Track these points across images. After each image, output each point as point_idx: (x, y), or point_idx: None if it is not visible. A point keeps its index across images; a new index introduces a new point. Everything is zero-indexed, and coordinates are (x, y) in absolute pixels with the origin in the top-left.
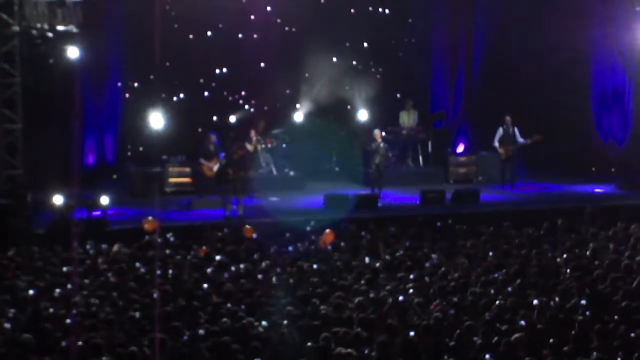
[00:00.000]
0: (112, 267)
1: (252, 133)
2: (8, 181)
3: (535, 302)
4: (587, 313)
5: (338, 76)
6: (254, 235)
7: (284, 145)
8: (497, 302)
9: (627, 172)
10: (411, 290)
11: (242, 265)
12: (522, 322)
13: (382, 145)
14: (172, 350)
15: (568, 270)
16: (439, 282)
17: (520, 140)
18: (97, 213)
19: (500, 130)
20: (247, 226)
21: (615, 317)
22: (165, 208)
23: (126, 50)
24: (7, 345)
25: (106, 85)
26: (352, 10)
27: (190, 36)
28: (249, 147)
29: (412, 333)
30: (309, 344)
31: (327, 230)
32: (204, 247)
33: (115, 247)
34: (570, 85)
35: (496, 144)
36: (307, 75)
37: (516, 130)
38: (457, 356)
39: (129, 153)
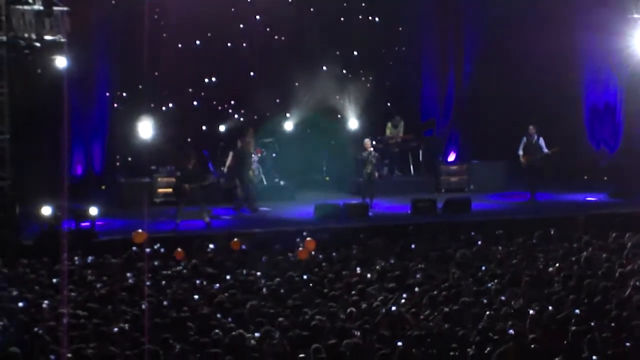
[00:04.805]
0: (100, 278)
1: (238, 142)
2: None
3: (531, 312)
4: (581, 323)
5: (328, 85)
6: (243, 247)
7: (274, 155)
8: (490, 312)
9: (619, 181)
10: (403, 301)
11: (228, 277)
12: (511, 331)
13: (373, 154)
14: None
15: (561, 280)
16: (430, 292)
17: (545, 150)
18: (86, 224)
19: (524, 140)
20: (235, 239)
21: (609, 326)
22: (154, 218)
23: (115, 60)
24: None
25: (94, 95)
26: (342, 19)
27: (179, 45)
28: (252, 155)
29: (399, 343)
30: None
31: (308, 239)
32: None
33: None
34: (562, 93)
35: (520, 152)
36: (297, 84)
37: (541, 140)
38: None
39: (118, 163)
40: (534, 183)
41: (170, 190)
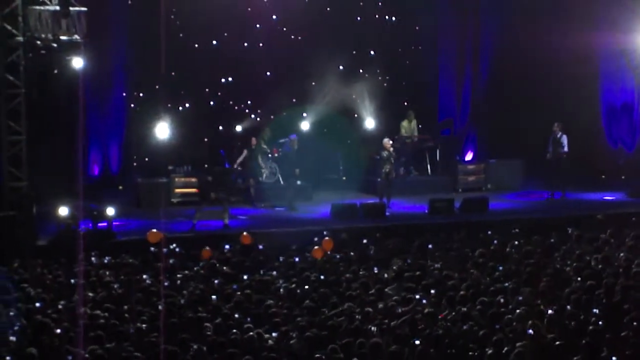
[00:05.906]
0: (117, 279)
1: (253, 141)
2: (13, 193)
3: (549, 311)
4: (599, 322)
5: (344, 84)
6: (260, 247)
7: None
8: (507, 311)
9: (637, 180)
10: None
11: (245, 277)
12: (530, 332)
13: (392, 154)
14: None
15: (579, 279)
16: (448, 292)
17: (565, 147)
18: (103, 224)
19: (551, 137)
20: (245, 233)
21: (628, 325)
22: (172, 218)
23: (131, 60)
24: (13, 358)
25: (111, 95)
26: (359, 18)
27: (196, 45)
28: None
29: (417, 342)
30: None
31: (326, 238)
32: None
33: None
34: (579, 92)
35: (549, 149)
36: (313, 83)
37: (564, 138)
38: None
39: (135, 164)
40: (561, 182)
41: (187, 190)
